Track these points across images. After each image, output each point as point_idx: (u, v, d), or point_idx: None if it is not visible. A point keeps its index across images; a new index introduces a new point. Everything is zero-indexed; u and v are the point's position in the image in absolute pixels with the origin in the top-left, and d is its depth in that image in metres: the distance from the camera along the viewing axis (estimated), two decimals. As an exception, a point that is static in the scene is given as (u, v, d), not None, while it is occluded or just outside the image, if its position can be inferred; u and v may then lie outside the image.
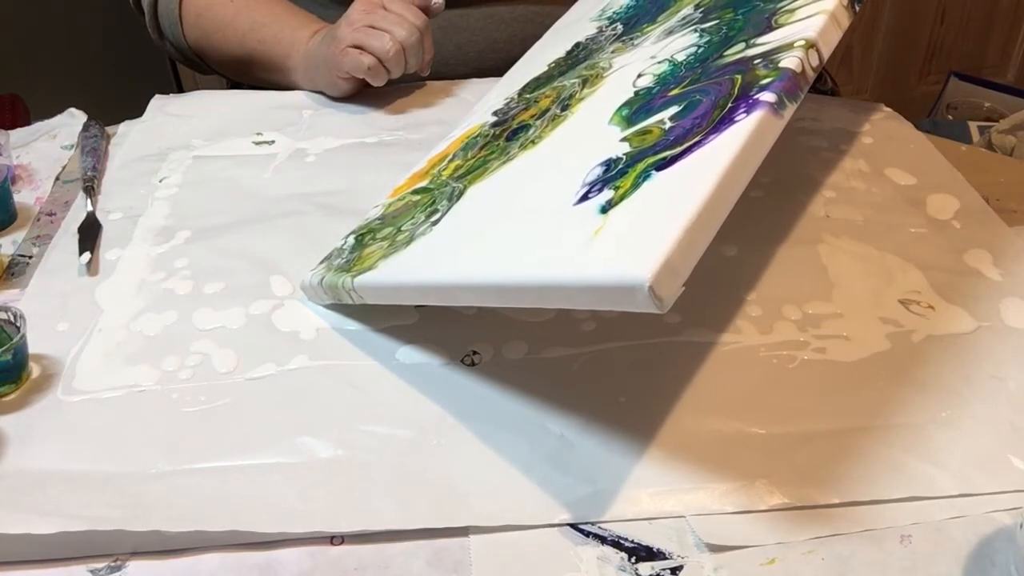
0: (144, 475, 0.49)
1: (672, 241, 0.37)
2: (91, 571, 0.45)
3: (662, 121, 0.47)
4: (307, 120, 0.83)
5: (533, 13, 0.92)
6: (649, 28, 0.63)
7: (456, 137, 0.70)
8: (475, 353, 0.56)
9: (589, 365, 0.55)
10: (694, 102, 0.47)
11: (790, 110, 0.43)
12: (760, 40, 0.49)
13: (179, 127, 0.83)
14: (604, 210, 0.42)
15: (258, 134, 0.81)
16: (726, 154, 0.40)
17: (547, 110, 0.61)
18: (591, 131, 0.53)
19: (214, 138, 0.81)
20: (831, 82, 1.03)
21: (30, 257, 0.67)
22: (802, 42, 0.45)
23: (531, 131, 0.59)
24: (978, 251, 0.65)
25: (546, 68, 0.71)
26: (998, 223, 0.68)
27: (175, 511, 0.47)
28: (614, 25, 0.69)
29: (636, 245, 0.39)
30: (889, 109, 0.84)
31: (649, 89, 0.52)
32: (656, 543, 0.46)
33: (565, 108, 0.59)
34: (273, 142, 0.80)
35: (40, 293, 0.63)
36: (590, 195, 0.45)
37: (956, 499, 0.47)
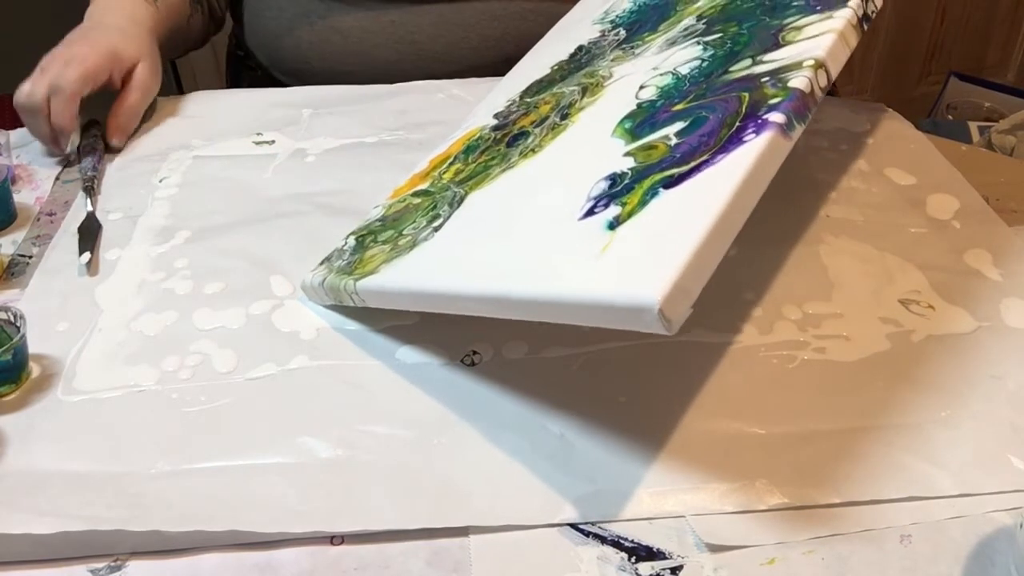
0: (144, 475, 0.49)
1: (682, 263, 0.37)
2: (91, 571, 0.45)
3: (667, 137, 0.47)
4: (307, 120, 0.83)
5: (527, 11, 0.91)
6: (651, 37, 0.62)
7: (457, 138, 0.70)
8: (475, 353, 0.56)
9: (589, 365, 0.55)
10: (700, 119, 0.46)
11: (798, 131, 0.42)
12: (767, 57, 0.48)
13: (179, 127, 0.83)
14: (612, 226, 0.42)
15: (258, 134, 0.81)
16: (735, 175, 0.40)
17: (546, 117, 0.61)
18: (593, 143, 0.53)
19: (214, 138, 0.81)
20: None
21: (30, 257, 0.67)
22: (811, 61, 0.45)
23: (530, 139, 0.59)
24: (978, 251, 0.65)
25: (548, 71, 0.71)
26: (998, 223, 0.68)
27: (175, 511, 0.47)
28: (616, 30, 0.69)
29: (646, 266, 0.38)
30: (889, 109, 0.84)
31: (652, 102, 0.52)
32: (656, 543, 0.46)
33: (565, 117, 0.59)
34: (273, 142, 0.80)
35: (40, 293, 0.62)
36: (596, 210, 0.44)
37: (956, 499, 0.47)
